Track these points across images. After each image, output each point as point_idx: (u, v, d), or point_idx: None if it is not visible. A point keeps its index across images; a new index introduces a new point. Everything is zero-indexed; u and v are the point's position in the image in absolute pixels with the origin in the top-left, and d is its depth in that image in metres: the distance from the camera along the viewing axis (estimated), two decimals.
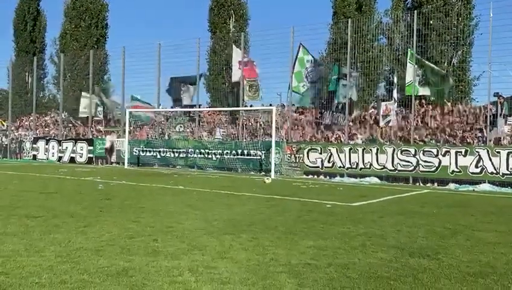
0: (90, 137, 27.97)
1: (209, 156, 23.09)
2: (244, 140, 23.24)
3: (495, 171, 16.41)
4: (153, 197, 11.47)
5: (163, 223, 7.51)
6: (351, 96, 21.24)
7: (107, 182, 15.35)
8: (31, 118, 32.61)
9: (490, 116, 18.14)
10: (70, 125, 31.09)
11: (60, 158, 27.92)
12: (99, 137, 27.90)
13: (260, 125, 24.41)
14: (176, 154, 24.17)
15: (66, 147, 27.80)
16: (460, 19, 21.13)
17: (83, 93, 29.46)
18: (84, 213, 8.48)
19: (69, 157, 27.45)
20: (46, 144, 28.92)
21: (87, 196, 11.25)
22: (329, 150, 19.78)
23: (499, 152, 16.47)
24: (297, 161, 20.57)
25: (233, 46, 24.82)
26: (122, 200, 10.56)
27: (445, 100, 20.66)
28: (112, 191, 12.66)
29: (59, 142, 28.39)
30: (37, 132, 31.92)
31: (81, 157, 27.05)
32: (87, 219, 7.78)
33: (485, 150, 16.76)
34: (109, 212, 8.61)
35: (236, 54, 24.34)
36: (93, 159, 26.56)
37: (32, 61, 32.87)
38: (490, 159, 16.50)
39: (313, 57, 23.11)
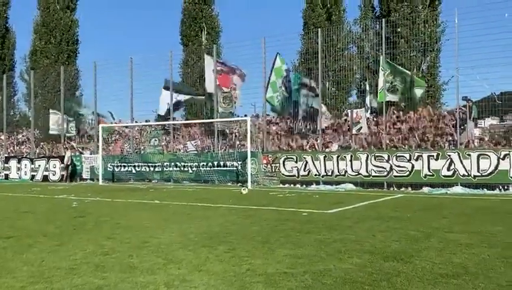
0: (63, 154, 27.54)
1: (185, 169, 22.99)
2: (220, 151, 23.22)
3: (466, 174, 16.77)
4: (129, 212, 11.35)
5: (139, 239, 7.45)
6: (312, 105, 21.50)
7: (81, 199, 15.13)
8: (2, 137, 31.97)
9: (460, 119, 18.56)
10: (42, 143, 30.60)
11: (32, 177, 27.41)
12: (73, 154, 27.49)
13: (236, 136, 24.46)
14: (152, 169, 23.99)
15: (39, 165, 27.33)
16: (427, 25, 21.68)
17: (52, 110, 29.09)
18: (58, 232, 8.34)
19: (42, 176, 26.98)
20: (18, 163, 28.39)
21: (60, 214, 11.07)
22: (305, 158, 19.92)
23: (469, 155, 16.84)
24: (273, 170, 20.65)
25: (205, 55, 24.81)
26: (96, 217, 10.42)
27: (416, 105, 21.09)
28: (87, 208, 12.49)
29: (31, 161, 27.89)
30: (9, 151, 31.28)
31: (54, 175, 26.61)
32: (61, 238, 7.66)
33: (456, 153, 17.13)
34: (83, 230, 8.49)
35: (209, 63, 24.34)
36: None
37: (2, 80, 32.32)
38: (461, 162, 16.86)
39: (288, 66, 23.30)
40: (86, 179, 25.82)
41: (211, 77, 24.21)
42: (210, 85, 24.28)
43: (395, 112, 21.49)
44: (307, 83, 21.51)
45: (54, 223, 9.42)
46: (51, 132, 29.35)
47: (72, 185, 23.17)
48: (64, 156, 26.49)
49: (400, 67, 20.28)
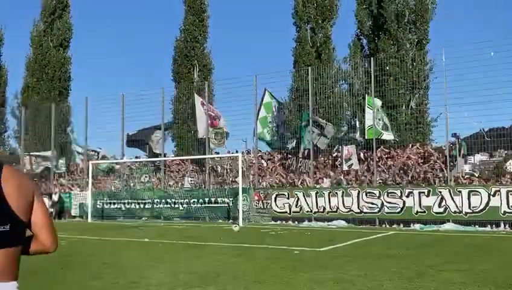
0: (52, 191, 27.20)
1: (176, 206, 22.77)
2: (212, 187, 23.07)
3: (458, 211, 16.74)
4: (117, 251, 11.16)
5: (127, 279, 7.28)
6: (317, 143, 21.55)
7: (69, 237, 14.83)
8: None
9: (450, 156, 18.67)
10: (34, 179, 30.29)
11: None
12: (63, 191, 27.19)
13: (227, 172, 24.37)
14: (142, 206, 23.72)
15: None
16: (415, 64, 22.02)
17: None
18: (44, 271, 8.13)
19: None
20: None
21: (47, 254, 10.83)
22: (296, 194, 19.84)
23: (460, 191, 16.86)
24: (265, 206, 20.51)
25: (195, 94, 25.12)
26: (84, 256, 10.24)
27: (406, 142, 21.26)
28: (74, 247, 12.25)
29: None
30: None
31: None
32: (46, 278, 7.47)
33: (447, 189, 17.15)
34: (70, 270, 8.31)
35: (199, 101, 24.58)
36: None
37: None
38: (452, 199, 16.86)
39: (277, 101, 23.56)
40: (75, 216, 25.44)
41: (201, 114, 24.40)
42: (200, 123, 24.48)
43: (385, 148, 21.59)
44: (317, 121, 21.62)
45: (40, 263, 9.20)
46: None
47: (61, 223, 22.80)
48: (52, 193, 26.17)
49: (380, 107, 20.44)
